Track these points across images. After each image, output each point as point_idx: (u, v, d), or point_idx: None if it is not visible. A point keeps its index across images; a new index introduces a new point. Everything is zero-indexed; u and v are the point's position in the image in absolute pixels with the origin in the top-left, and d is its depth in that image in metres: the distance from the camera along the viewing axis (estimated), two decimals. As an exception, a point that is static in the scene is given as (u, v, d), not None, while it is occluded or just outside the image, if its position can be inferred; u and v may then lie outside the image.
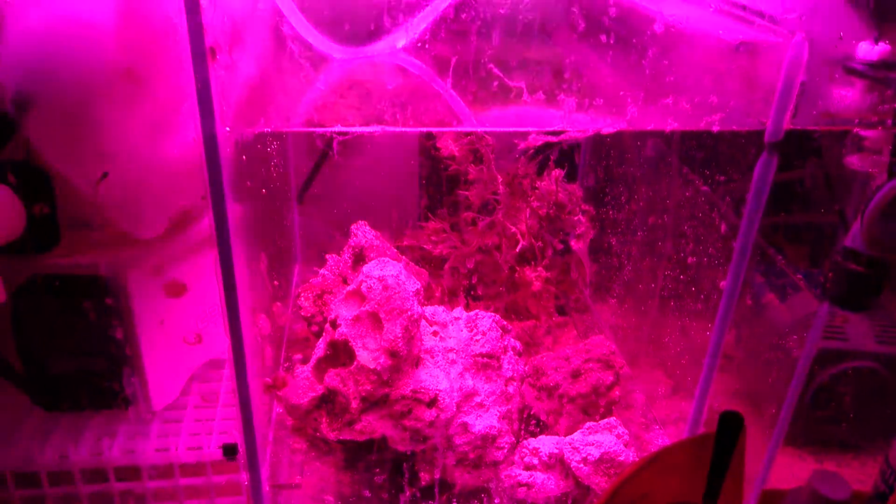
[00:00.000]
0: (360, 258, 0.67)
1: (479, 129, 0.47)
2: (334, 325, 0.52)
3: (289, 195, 0.81)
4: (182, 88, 0.38)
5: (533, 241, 0.64)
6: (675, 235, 0.55)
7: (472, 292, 0.68)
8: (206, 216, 0.51)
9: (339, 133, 0.52)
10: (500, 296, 0.66)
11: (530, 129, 0.43)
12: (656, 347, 0.66)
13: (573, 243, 0.61)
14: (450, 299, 0.67)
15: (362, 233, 0.67)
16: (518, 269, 0.64)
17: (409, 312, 0.50)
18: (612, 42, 0.41)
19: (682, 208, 0.53)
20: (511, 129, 0.44)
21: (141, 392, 0.51)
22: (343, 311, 0.53)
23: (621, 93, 0.40)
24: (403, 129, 0.45)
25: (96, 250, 0.47)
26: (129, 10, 0.35)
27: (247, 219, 0.45)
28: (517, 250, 0.62)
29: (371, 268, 0.53)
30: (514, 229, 0.62)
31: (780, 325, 0.63)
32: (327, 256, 0.68)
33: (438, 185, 0.73)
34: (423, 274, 0.69)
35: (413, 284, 0.52)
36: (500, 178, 0.60)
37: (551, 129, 0.42)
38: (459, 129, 0.47)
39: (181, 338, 0.50)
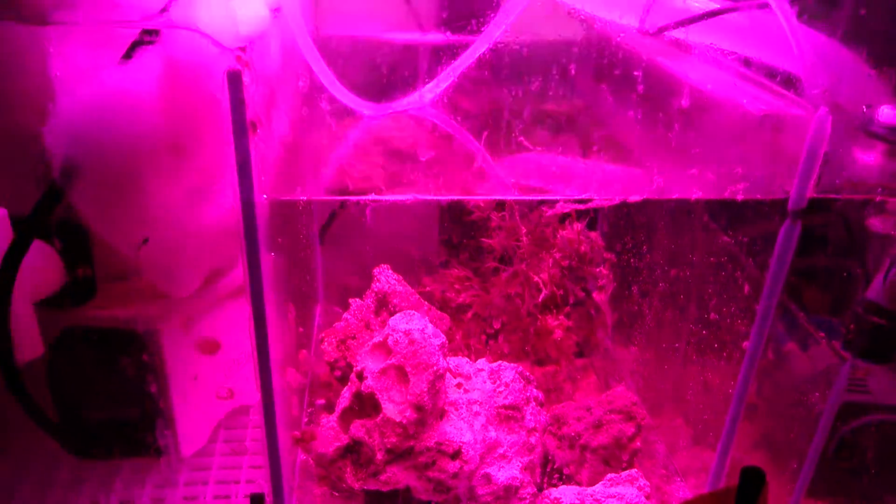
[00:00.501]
0: (383, 303, 0.68)
1: (509, 198, 0.48)
2: (360, 377, 0.53)
3: (312, 236, 0.82)
4: (222, 158, 0.39)
5: (555, 289, 0.64)
6: (697, 289, 0.56)
7: (493, 340, 0.68)
8: (235, 271, 0.52)
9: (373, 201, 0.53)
10: (521, 343, 0.67)
11: (557, 197, 0.44)
12: (677, 396, 0.66)
13: (595, 295, 0.62)
14: (470, 346, 0.68)
15: (385, 277, 0.68)
16: (540, 316, 0.65)
17: (435, 367, 0.51)
18: (639, 116, 0.42)
19: (706, 263, 0.54)
20: (539, 198, 0.45)
21: (171, 441, 0.52)
22: (369, 364, 0.54)
23: (648, 163, 0.41)
24: (436, 198, 0.46)
25: (130, 303, 0.48)
26: (175, 86, 0.37)
27: (278, 272, 0.46)
28: (539, 300, 0.63)
29: (397, 321, 0.54)
30: (536, 278, 0.63)
31: (802, 375, 0.63)
32: (350, 301, 0.69)
33: (459, 227, 0.74)
34: (445, 319, 0.69)
35: (438, 338, 0.53)
36: (523, 229, 0.61)
37: (579, 197, 0.43)
38: (489, 197, 0.48)
39: (213, 392, 0.51)
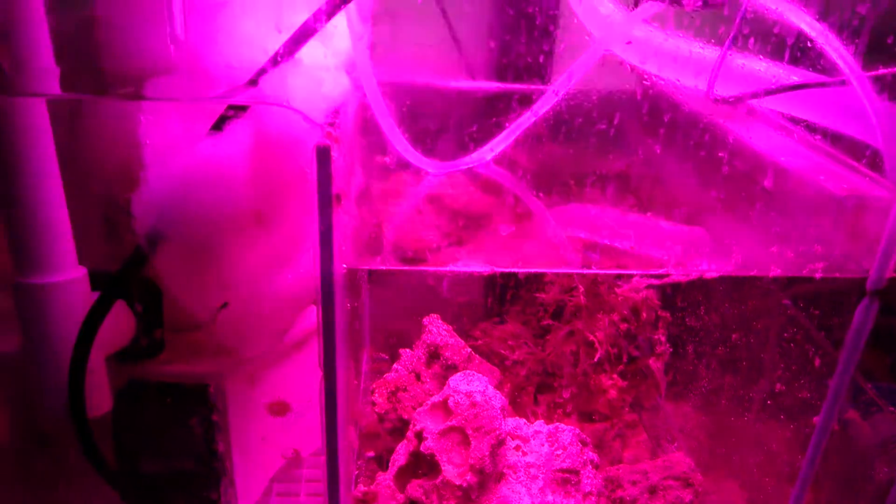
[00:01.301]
0: (434, 356, 0.67)
1: (581, 272, 0.48)
2: (419, 436, 0.53)
3: (362, 281, 0.83)
4: (303, 228, 0.40)
5: (609, 348, 0.64)
6: (761, 356, 0.55)
7: (544, 395, 0.68)
8: (299, 326, 0.52)
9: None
10: (573, 400, 0.66)
11: (634, 272, 0.44)
12: (732, 460, 0.65)
13: (651, 362, 0.61)
14: (521, 402, 0.68)
15: (436, 329, 0.68)
16: (594, 375, 0.65)
17: (497, 432, 0.51)
18: (722, 195, 0.42)
19: (772, 332, 0.53)
20: (615, 272, 0.45)
21: (229, 495, 0.52)
22: (429, 424, 0.53)
23: (727, 240, 0.41)
24: (512, 269, 0.46)
25: (196, 359, 0.49)
26: (263, 158, 0.37)
27: (345, 332, 0.47)
28: (595, 360, 0.62)
29: (458, 382, 0.54)
30: (592, 337, 0.63)
31: (864, 445, 0.62)
32: (401, 351, 0.69)
33: (511, 278, 0.74)
34: (496, 372, 0.69)
35: (499, 401, 0.53)
36: (580, 287, 0.61)
37: (656, 272, 0.43)
38: (556, 270, 0.48)
39: (275, 448, 0.51)
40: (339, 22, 0.43)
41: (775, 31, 0.51)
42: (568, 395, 0.65)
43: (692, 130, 0.55)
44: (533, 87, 0.71)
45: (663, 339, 0.59)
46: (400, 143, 0.55)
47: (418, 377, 0.70)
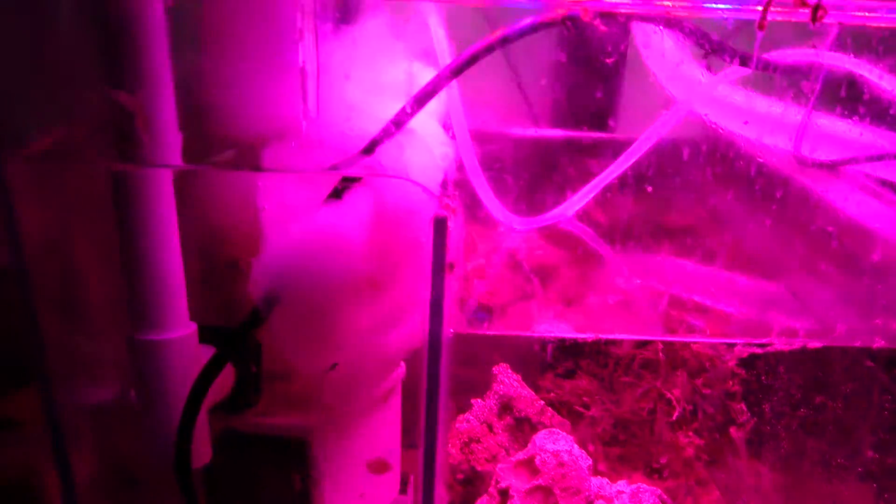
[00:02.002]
0: (506, 407, 0.68)
1: (681, 339, 0.48)
2: (504, 494, 0.53)
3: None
4: (416, 293, 0.40)
5: (686, 405, 0.64)
6: (850, 422, 0.54)
7: (617, 451, 0.67)
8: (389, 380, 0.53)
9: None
10: (647, 456, 0.66)
11: (737, 340, 0.44)
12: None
13: (732, 431, 0.61)
14: (594, 456, 0.67)
15: (508, 380, 0.69)
16: (670, 433, 0.64)
17: (585, 493, 0.51)
18: (807, 257, 0.42)
19: (862, 398, 0.52)
20: (714, 341, 0.45)
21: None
22: (514, 482, 0.54)
23: (832, 312, 0.41)
24: (604, 336, 0.47)
25: (290, 411, 0.49)
26: (380, 226, 0.38)
27: (447, 394, 0.47)
28: (673, 418, 0.62)
29: (544, 441, 0.54)
30: (669, 395, 0.62)
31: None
32: (472, 401, 0.70)
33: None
34: (566, 425, 0.69)
35: (586, 460, 0.53)
36: (660, 345, 0.61)
37: (758, 341, 0.43)
38: (639, 337, 0.48)
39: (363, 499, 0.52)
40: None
41: (865, 97, 0.51)
42: (643, 452, 0.65)
43: (774, 189, 0.55)
44: (600, 135, 0.72)
45: (744, 407, 0.58)
46: (489, 198, 0.56)
47: (490, 428, 0.70)
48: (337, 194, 0.39)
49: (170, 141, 0.37)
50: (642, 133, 0.61)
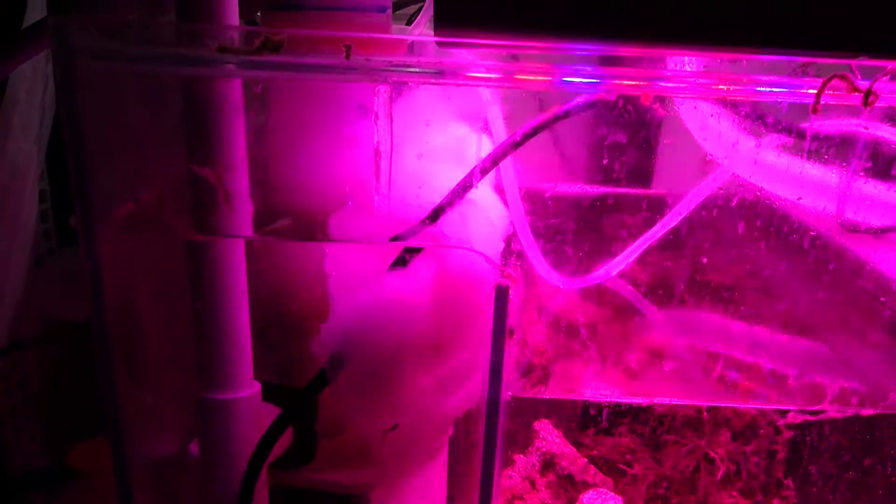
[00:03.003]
0: (549, 464, 0.68)
1: (729, 405, 0.49)
2: (552, 554, 0.54)
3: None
4: (476, 358, 0.42)
5: (730, 464, 0.64)
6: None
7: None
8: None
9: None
10: (691, 516, 0.65)
11: (789, 407, 0.44)
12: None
13: (778, 491, 0.60)
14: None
15: (550, 437, 0.69)
16: (714, 492, 0.64)
17: (635, 555, 0.51)
18: (878, 337, 0.43)
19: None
20: (765, 407, 0.45)
21: None
22: (561, 541, 0.54)
23: (884, 379, 0.41)
24: (671, 401, 0.47)
25: (343, 466, 0.50)
26: (443, 295, 0.40)
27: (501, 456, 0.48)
28: (717, 478, 0.62)
29: (592, 500, 0.55)
30: (713, 454, 0.63)
31: None
32: (514, 457, 0.70)
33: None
34: (609, 483, 0.69)
35: (634, 522, 0.53)
36: (703, 406, 0.61)
37: (812, 408, 0.43)
38: (681, 401, 0.48)
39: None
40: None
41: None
42: (686, 512, 0.65)
43: (821, 252, 0.55)
44: (636, 191, 0.73)
45: (790, 483, 0.58)
46: (537, 259, 0.57)
47: (533, 485, 0.70)
48: (402, 262, 0.41)
49: (244, 213, 0.39)
50: (685, 193, 0.62)
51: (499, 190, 0.49)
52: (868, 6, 0.35)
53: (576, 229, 0.69)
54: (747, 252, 0.61)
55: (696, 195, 0.61)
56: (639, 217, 0.64)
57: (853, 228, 0.55)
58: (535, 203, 0.67)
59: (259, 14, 0.51)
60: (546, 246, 0.61)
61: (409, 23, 0.64)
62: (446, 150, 0.43)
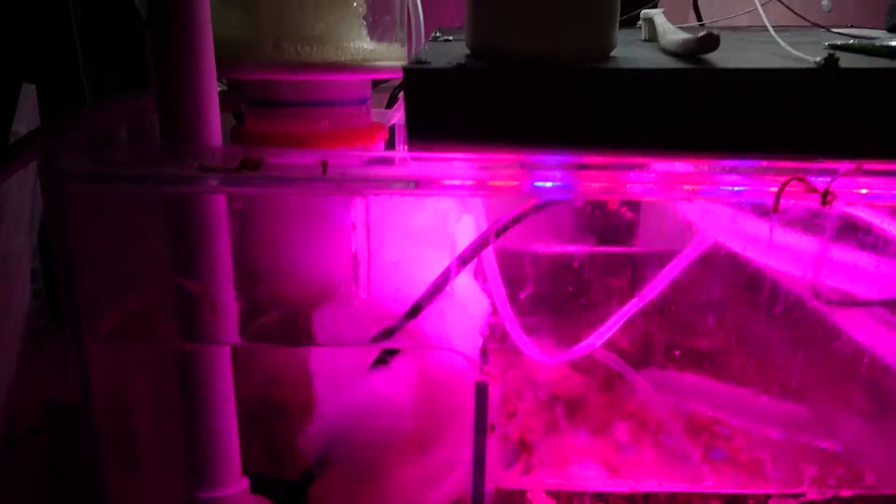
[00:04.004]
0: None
1: (713, 491, 0.49)
2: None
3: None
4: (458, 452, 0.43)
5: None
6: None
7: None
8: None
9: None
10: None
11: (770, 491, 0.45)
12: None
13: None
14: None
15: None
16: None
17: None
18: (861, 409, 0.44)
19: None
20: (747, 492, 0.46)
21: None
22: None
23: (862, 458, 0.42)
24: (654, 489, 0.48)
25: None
26: (425, 393, 0.41)
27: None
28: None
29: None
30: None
31: None
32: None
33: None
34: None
35: None
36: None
37: (791, 492, 0.44)
38: (684, 489, 0.49)
39: None
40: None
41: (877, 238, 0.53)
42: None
43: (798, 319, 0.56)
44: (614, 249, 0.74)
45: None
46: (516, 332, 0.58)
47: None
48: (383, 360, 0.42)
49: (229, 320, 0.40)
50: (667, 263, 0.63)
51: (478, 274, 0.50)
52: (821, 111, 0.37)
53: (557, 297, 0.70)
54: (729, 316, 0.62)
55: (679, 262, 0.62)
56: (623, 280, 0.65)
57: (823, 299, 0.56)
58: (515, 268, 0.68)
59: (244, 107, 0.53)
60: (529, 320, 0.62)
61: (388, 106, 0.66)
62: (426, 242, 0.44)
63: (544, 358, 0.60)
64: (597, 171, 0.37)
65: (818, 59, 0.36)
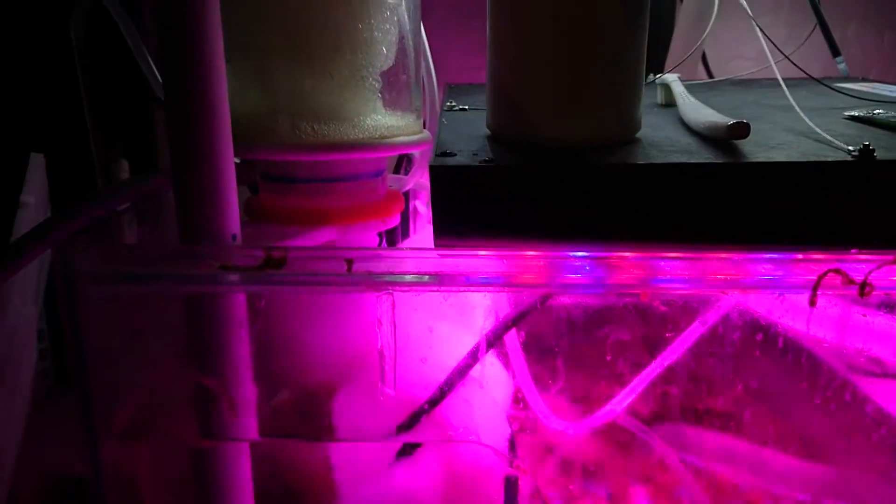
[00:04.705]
0: None
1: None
2: None
3: None
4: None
5: None
6: None
7: None
8: None
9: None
10: None
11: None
12: None
13: None
14: None
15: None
16: None
17: None
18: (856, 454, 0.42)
19: None
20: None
21: None
22: None
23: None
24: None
25: None
26: (452, 486, 0.39)
27: None
28: None
29: None
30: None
31: None
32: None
33: None
34: None
35: None
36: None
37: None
38: None
39: None
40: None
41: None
42: None
43: (822, 382, 0.55)
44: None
45: None
46: (538, 404, 0.57)
47: None
48: (407, 451, 0.41)
49: (248, 417, 0.38)
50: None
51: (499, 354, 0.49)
52: (858, 202, 0.36)
53: (577, 368, 0.69)
54: (753, 376, 0.61)
55: (699, 325, 0.61)
56: (640, 341, 0.64)
57: (850, 365, 0.55)
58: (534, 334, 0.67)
59: (258, 181, 0.52)
60: (551, 388, 0.60)
61: (395, 170, 0.65)
62: (453, 337, 0.43)
63: (567, 427, 0.59)
64: (627, 264, 0.36)
65: (853, 149, 0.36)
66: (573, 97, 0.38)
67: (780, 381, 0.59)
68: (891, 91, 0.61)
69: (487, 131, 0.44)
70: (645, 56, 0.41)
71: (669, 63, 0.78)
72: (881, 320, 0.54)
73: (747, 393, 0.63)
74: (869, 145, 0.35)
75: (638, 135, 0.42)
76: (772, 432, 0.62)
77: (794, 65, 0.58)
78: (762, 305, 0.60)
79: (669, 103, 0.54)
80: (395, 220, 0.52)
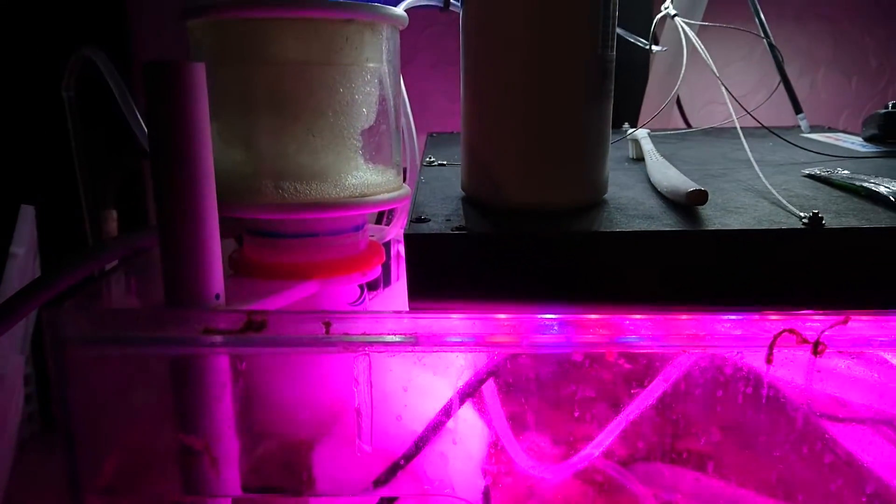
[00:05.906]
0: None
1: None
2: None
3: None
4: None
5: None
6: None
7: None
8: None
9: None
10: None
11: None
12: None
13: None
14: None
15: None
16: None
17: None
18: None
19: None
20: None
21: None
22: None
23: None
24: None
25: None
26: (428, 541, 0.40)
27: None
28: None
29: None
30: None
31: None
32: None
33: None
34: None
35: None
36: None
37: None
38: None
39: None
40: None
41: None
42: None
43: (794, 426, 0.57)
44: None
45: None
46: (515, 450, 0.58)
47: None
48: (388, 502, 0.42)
49: (231, 473, 0.40)
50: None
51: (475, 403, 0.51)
52: (808, 267, 0.38)
53: (553, 414, 0.71)
54: (728, 418, 0.62)
55: (673, 370, 0.63)
56: (620, 384, 0.66)
57: (813, 412, 0.57)
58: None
59: (242, 236, 0.54)
60: (527, 437, 0.62)
61: (377, 221, 0.66)
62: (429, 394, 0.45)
63: (546, 473, 0.60)
64: (594, 324, 0.38)
65: (803, 216, 0.38)
66: (541, 164, 0.40)
67: (747, 422, 0.60)
68: (852, 143, 0.64)
69: (462, 192, 0.46)
70: (610, 121, 0.43)
71: (644, 111, 0.81)
72: (842, 365, 0.56)
73: (723, 433, 0.65)
74: (818, 213, 0.37)
75: (606, 195, 0.44)
76: (748, 473, 0.63)
77: (757, 121, 0.60)
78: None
79: (640, 158, 0.56)
80: (375, 273, 0.53)
